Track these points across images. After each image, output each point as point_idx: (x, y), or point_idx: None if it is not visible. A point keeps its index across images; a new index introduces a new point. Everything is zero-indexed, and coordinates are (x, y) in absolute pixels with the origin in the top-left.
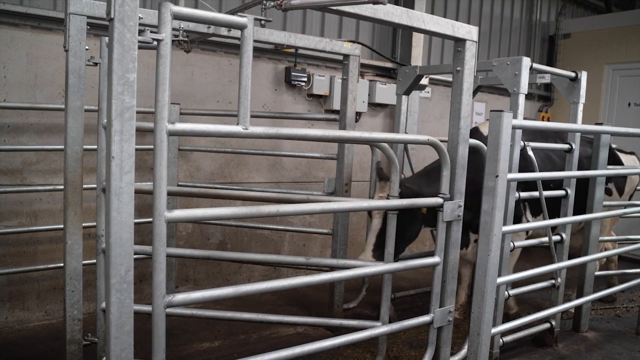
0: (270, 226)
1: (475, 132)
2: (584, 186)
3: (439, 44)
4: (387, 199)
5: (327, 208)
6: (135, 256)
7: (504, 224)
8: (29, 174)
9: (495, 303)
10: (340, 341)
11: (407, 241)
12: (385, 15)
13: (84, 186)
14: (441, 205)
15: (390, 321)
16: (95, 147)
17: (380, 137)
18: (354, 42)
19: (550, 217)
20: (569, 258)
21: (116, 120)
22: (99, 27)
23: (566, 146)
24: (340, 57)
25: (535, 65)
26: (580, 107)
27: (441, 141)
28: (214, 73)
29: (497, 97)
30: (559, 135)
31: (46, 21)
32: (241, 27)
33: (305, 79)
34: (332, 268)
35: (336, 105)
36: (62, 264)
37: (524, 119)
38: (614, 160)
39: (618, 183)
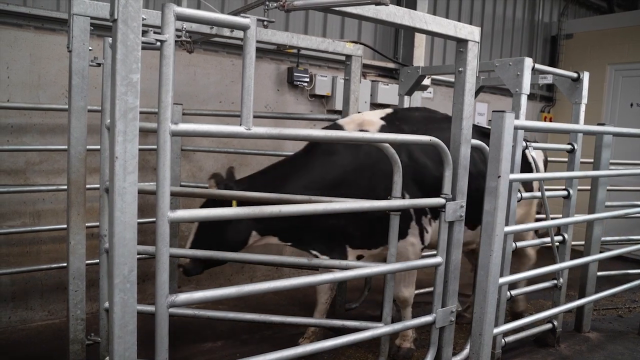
0: None
1: (334, 127)
2: (480, 195)
3: (441, 44)
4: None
5: (330, 208)
6: (138, 256)
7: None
8: (32, 174)
9: (498, 303)
10: (343, 341)
11: (228, 247)
12: (388, 16)
13: (87, 186)
14: (443, 206)
15: (393, 321)
16: (99, 147)
17: (382, 137)
18: (356, 42)
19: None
20: None
21: (120, 121)
22: (103, 28)
23: (568, 147)
24: (343, 58)
25: (538, 66)
26: (583, 108)
27: None
28: (217, 73)
29: (500, 97)
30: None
31: (49, 22)
32: (244, 28)
33: (308, 80)
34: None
35: (338, 106)
36: (65, 264)
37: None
38: (524, 161)
39: (528, 185)
